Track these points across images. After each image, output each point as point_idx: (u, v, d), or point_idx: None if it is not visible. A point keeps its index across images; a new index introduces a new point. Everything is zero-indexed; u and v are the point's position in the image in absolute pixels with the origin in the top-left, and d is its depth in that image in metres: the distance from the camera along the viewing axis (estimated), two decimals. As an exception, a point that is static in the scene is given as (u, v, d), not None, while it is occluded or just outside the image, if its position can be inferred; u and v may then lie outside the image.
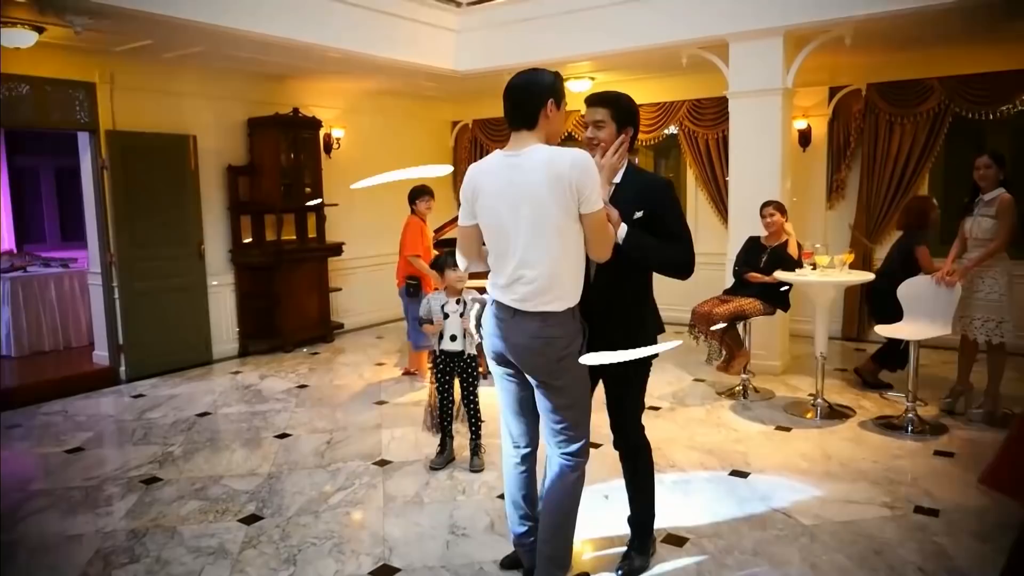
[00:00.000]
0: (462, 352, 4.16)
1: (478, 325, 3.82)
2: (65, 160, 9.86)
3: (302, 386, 6.06)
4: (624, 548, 3.13)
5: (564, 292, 2.47)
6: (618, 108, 2.72)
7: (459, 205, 2.64)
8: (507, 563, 3.07)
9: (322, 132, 7.70)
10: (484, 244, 2.61)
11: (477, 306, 4.10)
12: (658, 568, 3.06)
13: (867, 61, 6.77)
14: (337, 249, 7.65)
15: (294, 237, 7.48)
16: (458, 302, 4.15)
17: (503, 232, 2.48)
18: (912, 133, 6.69)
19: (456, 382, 4.25)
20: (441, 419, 4.30)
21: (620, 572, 3.00)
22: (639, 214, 2.63)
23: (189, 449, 4.64)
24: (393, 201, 8.72)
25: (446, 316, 4.13)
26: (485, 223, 2.54)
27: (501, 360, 2.63)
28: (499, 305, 2.57)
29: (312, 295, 7.47)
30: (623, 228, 2.58)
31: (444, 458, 4.27)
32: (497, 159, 2.50)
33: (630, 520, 3.11)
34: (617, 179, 2.71)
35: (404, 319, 6.10)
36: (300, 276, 7.31)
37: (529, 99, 2.45)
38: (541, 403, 2.61)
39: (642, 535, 3.08)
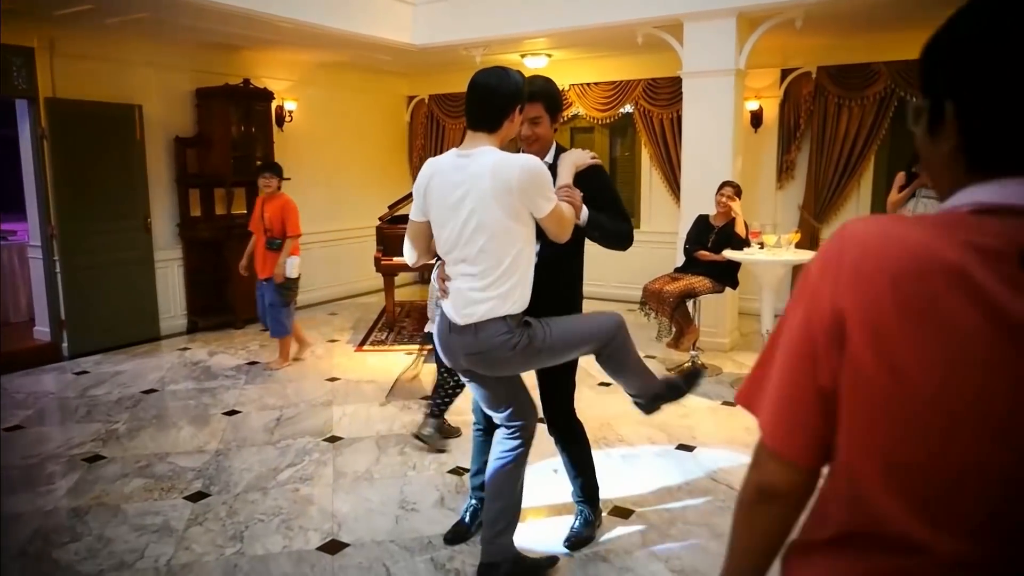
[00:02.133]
0: None
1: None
2: (1, 129, 9.47)
3: (252, 363, 5.99)
4: (571, 518, 3.19)
5: (507, 297, 2.42)
6: (551, 100, 2.68)
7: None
8: (450, 538, 3.11)
9: (274, 104, 7.54)
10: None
11: None
12: (604, 538, 3.13)
13: (817, 44, 6.86)
14: None
15: (245, 211, 7.33)
16: None
17: (449, 233, 2.43)
18: (859, 116, 6.81)
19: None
20: (440, 398, 4.10)
21: (567, 543, 3.05)
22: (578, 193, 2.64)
23: (134, 426, 4.56)
24: (348, 176, 8.65)
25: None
26: (433, 222, 2.49)
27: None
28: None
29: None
30: (585, 212, 2.59)
31: (438, 430, 4.11)
32: (450, 159, 2.43)
33: (575, 496, 3.16)
34: (549, 159, 2.72)
35: (278, 307, 5.62)
36: (251, 251, 7.18)
37: (497, 102, 2.37)
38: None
39: (590, 507, 3.14)
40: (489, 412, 2.75)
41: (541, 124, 2.67)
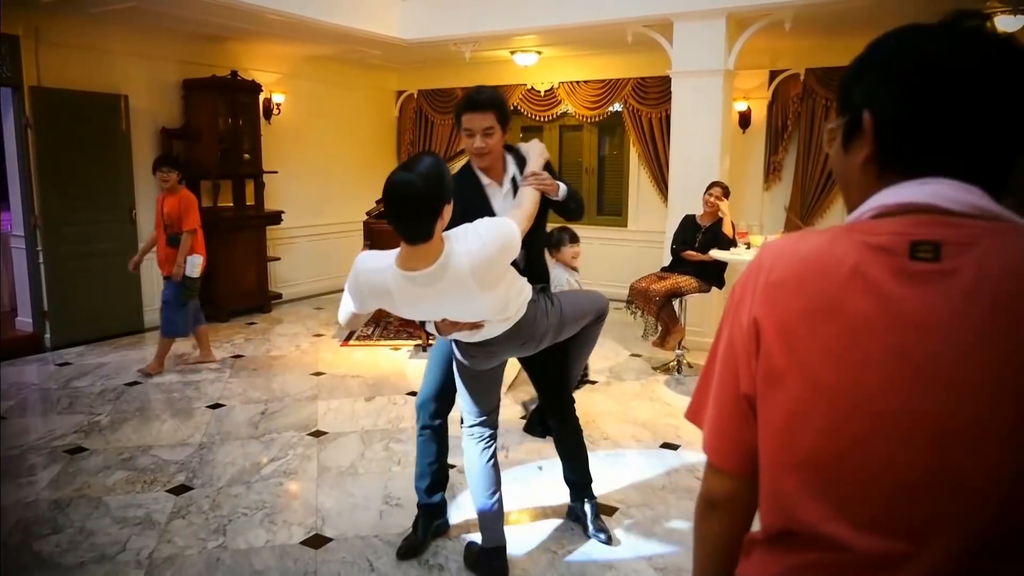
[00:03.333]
0: None
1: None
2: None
3: (238, 356, 5.96)
4: (559, 520, 3.22)
5: (522, 291, 2.51)
6: (502, 111, 2.61)
7: None
8: (404, 552, 2.97)
9: (262, 97, 7.49)
10: None
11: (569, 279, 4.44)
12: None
13: (806, 46, 6.90)
14: (276, 218, 7.51)
15: (231, 204, 7.29)
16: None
17: (443, 316, 2.39)
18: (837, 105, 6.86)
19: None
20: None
21: (601, 535, 3.07)
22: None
23: (117, 419, 4.52)
24: (336, 170, 8.61)
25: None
26: (407, 314, 2.37)
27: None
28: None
29: (249, 264, 7.32)
30: (563, 188, 2.69)
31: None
32: (403, 279, 2.17)
33: (569, 481, 3.17)
34: (511, 169, 2.72)
35: (172, 306, 5.30)
36: (237, 245, 7.16)
37: (428, 207, 2.09)
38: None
39: (587, 489, 3.17)
40: (482, 411, 2.75)
41: (493, 135, 2.59)
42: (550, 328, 2.62)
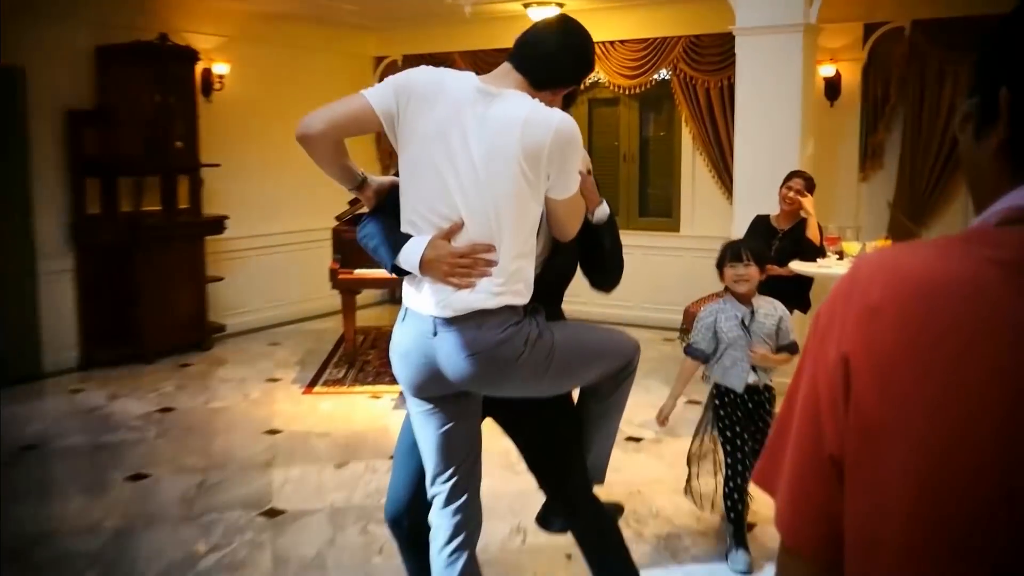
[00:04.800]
0: (758, 387, 3.82)
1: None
2: None
3: (166, 409, 5.96)
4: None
5: (522, 280, 2.44)
6: (577, 71, 2.71)
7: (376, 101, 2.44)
8: None
9: (199, 67, 7.55)
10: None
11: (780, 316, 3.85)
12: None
13: (913, -9, 6.91)
14: (218, 225, 7.53)
15: (159, 208, 7.32)
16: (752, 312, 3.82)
17: (443, 195, 2.38)
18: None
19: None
20: (730, 497, 3.86)
21: None
22: None
23: (6, 496, 4.49)
24: (296, 162, 8.58)
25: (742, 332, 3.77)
26: (418, 167, 2.40)
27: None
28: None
29: (183, 287, 7.32)
30: (604, 207, 2.66)
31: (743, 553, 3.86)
32: (467, 87, 2.39)
33: None
34: None
35: None
36: (167, 261, 7.18)
37: (568, 68, 2.51)
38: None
39: None
40: (433, 479, 2.60)
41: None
42: (534, 368, 2.45)
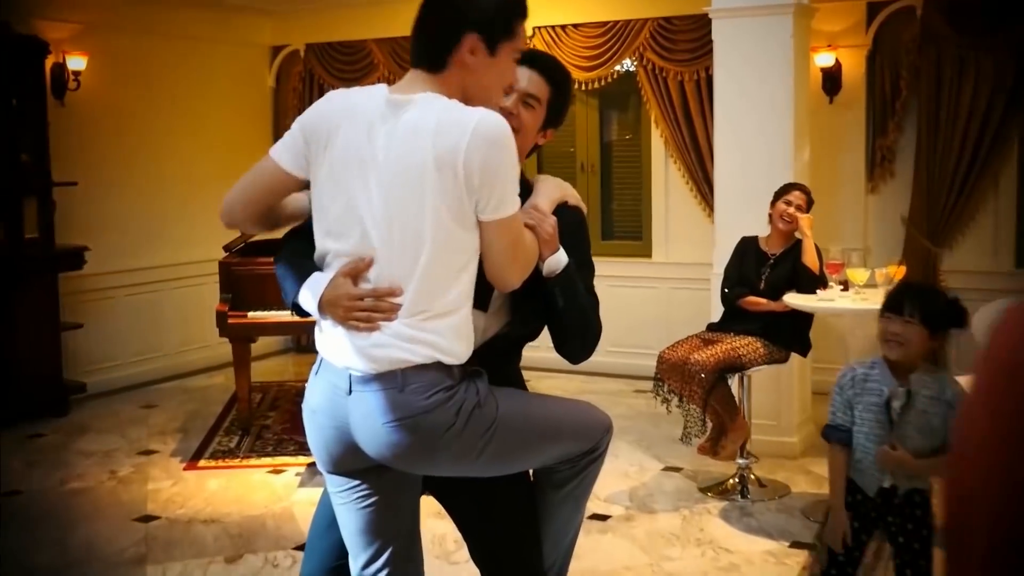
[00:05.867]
0: (900, 490, 3.41)
1: None
2: None
3: (12, 493, 5.81)
4: None
5: (443, 338, 2.40)
6: (561, 89, 2.76)
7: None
8: None
9: (49, 62, 7.47)
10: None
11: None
12: None
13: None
14: (75, 259, 7.45)
15: (0, 238, 7.19)
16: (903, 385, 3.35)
17: (354, 225, 2.40)
18: (993, 75, 6.88)
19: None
20: None
21: None
22: None
23: None
24: (174, 178, 8.50)
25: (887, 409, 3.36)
26: (325, 198, 2.46)
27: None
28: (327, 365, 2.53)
29: (32, 337, 7.18)
30: (561, 255, 2.61)
31: None
32: (377, 101, 2.43)
33: None
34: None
35: None
36: (11, 304, 7.07)
37: (440, 23, 2.45)
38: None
39: None
40: (360, 570, 2.61)
41: (534, 109, 2.70)
42: (467, 446, 2.44)
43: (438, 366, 2.38)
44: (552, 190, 2.70)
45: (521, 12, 2.51)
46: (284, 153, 2.50)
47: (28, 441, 6.81)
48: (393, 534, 2.58)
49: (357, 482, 2.53)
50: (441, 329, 2.38)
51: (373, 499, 2.54)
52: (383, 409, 2.36)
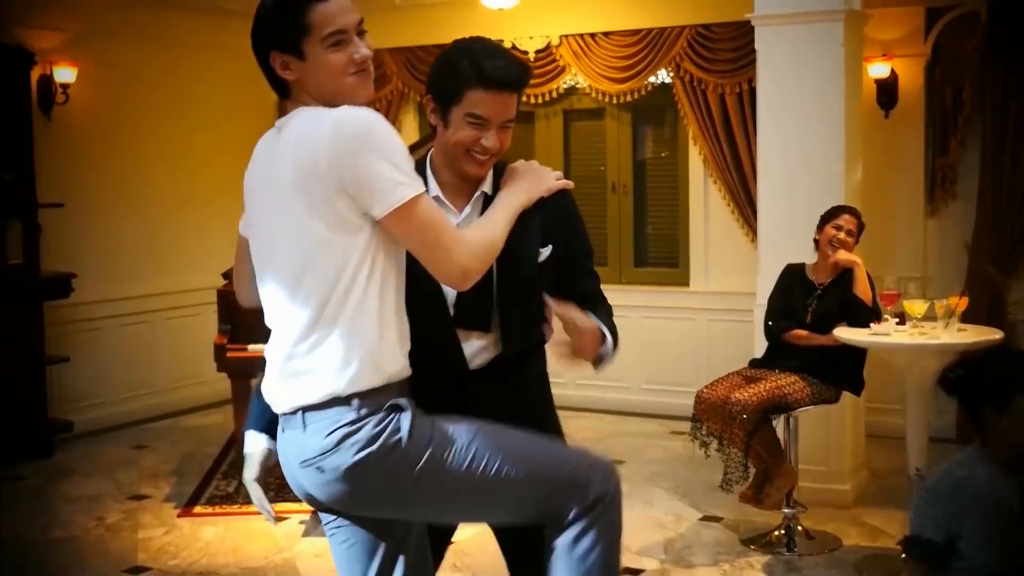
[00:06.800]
0: None
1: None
2: None
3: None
4: None
5: (337, 370, 2.42)
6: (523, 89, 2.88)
7: None
8: None
9: (36, 74, 7.55)
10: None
11: None
12: None
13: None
14: (61, 286, 7.48)
15: (-15, 264, 7.21)
16: None
17: (262, 271, 2.58)
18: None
19: None
20: None
21: None
22: (546, 252, 2.78)
23: None
24: (171, 200, 8.48)
25: None
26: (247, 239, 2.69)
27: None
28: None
29: (14, 371, 7.19)
30: (608, 345, 2.76)
31: None
32: (271, 132, 2.62)
33: None
34: (487, 188, 2.82)
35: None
36: (-6, 334, 7.02)
37: (256, 58, 2.61)
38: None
39: None
40: None
41: (510, 130, 2.77)
42: (386, 489, 2.45)
43: (335, 401, 2.39)
44: (532, 188, 2.74)
45: (298, 7, 2.49)
46: (242, 222, 2.71)
47: (7, 485, 6.81)
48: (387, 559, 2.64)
49: (332, 517, 2.62)
50: (333, 360, 2.41)
51: (352, 536, 2.62)
52: (294, 452, 2.47)
